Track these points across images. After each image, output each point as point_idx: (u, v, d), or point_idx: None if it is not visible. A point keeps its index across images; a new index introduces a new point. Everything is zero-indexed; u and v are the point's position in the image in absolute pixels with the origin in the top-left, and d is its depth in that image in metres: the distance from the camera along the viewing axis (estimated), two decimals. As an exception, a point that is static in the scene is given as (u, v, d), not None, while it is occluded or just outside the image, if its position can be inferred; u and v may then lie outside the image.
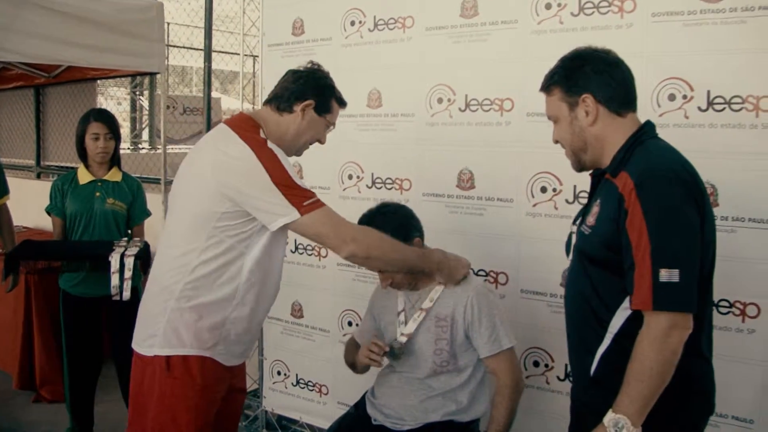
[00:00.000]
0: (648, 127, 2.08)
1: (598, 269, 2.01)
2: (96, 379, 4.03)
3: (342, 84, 3.64)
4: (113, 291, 3.50)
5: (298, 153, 2.61)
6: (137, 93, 11.30)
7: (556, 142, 2.19)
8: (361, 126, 3.63)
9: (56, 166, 7.27)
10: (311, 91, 2.49)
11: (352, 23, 3.63)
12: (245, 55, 4.42)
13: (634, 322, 1.92)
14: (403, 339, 2.68)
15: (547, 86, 2.14)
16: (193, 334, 2.33)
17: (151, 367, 2.35)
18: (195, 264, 2.31)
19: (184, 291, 2.32)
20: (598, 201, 2.04)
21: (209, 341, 2.35)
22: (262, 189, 2.25)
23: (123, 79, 9.21)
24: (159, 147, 8.28)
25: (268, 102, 2.55)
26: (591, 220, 2.04)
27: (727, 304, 2.68)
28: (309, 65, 2.61)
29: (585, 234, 2.06)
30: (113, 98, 12.04)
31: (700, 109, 2.69)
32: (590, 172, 2.25)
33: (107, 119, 3.86)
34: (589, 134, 2.06)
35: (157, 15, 5.09)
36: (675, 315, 1.83)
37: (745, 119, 2.61)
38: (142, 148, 11.06)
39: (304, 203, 2.27)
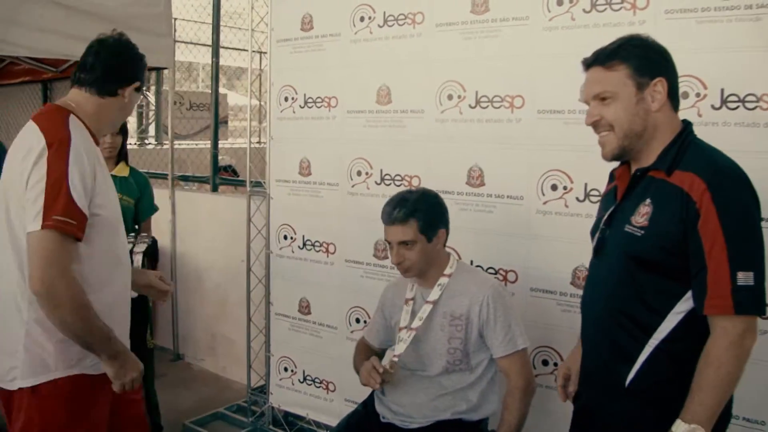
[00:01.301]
0: (691, 127, 2.04)
1: (648, 272, 1.95)
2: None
3: (351, 80, 3.66)
4: None
5: (115, 129, 2.69)
6: (144, 88, 11.29)
7: (595, 122, 2.05)
8: (370, 122, 3.60)
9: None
10: (136, 72, 2.35)
11: (362, 19, 3.59)
12: (254, 51, 4.39)
13: (685, 326, 1.90)
14: (402, 347, 2.68)
15: (608, 59, 2.00)
16: (53, 357, 2.14)
17: (18, 401, 2.16)
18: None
19: (30, 313, 2.12)
20: (648, 200, 1.96)
21: (75, 357, 2.16)
22: (36, 186, 2.04)
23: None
24: (166, 142, 8.25)
25: (83, 84, 2.27)
26: (641, 220, 1.95)
27: None
28: (118, 36, 2.36)
29: (635, 235, 1.96)
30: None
31: (713, 107, 2.65)
32: (613, 169, 2.22)
33: (113, 115, 3.83)
34: (651, 120, 1.97)
35: (164, 10, 5.09)
36: (750, 319, 1.82)
37: (759, 118, 2.56)
38: (149, 144, 11.02)
39: (53, 216, 2.01)
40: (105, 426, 2.30)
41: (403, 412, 2.70)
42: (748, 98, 2.58)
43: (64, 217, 2.01)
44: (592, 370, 2.17)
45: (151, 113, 11.79)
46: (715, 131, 2.61)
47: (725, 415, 1.97)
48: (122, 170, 3.82)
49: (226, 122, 12.94)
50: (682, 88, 2.64)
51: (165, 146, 9.09)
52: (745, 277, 1.78)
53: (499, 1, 3.14)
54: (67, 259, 2.03)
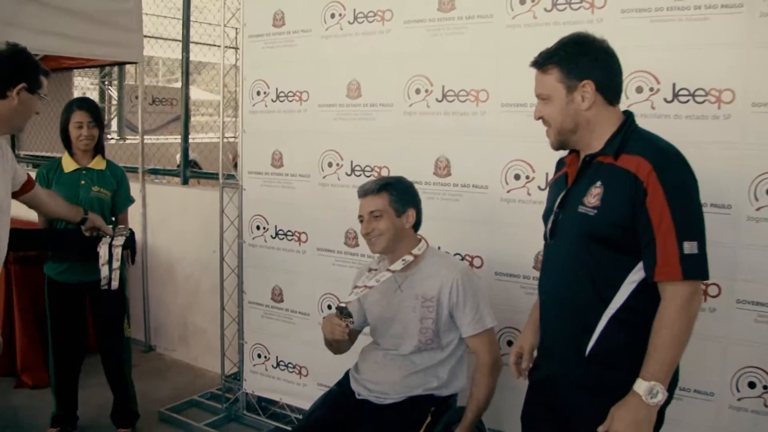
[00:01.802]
0: (633, 117, 2.22)
1: (602, 248, 2.11)
2: (80, 364, 4.09)
3: (322, 74, 3.79)
4: (103, 282, 3.58)
5: (19, 130, 2.89)
6: (106, 83, 11.21)
7: (539, 118, 2.26)
8: (340, 115, 3.73)
9: (30, 155, 7.29)
10: (22, 75, 2.62)
11: (332, 16, 3.72)
12: (214, 45, 4.51)
13: (638, 295, 2.08)
14: (351, 297, 2.84)
15: (544, 64, 2.20)
16: None
17: None
18: None
19: None
20: (599, 183, 2.12)
21: None
22: None
23: (92, 69, 9.16)
24: (128, 137, 8.31)
25: None
26: (593, 201, 2.12)
27: None
28: (7, 45, 2.69)
29: (589, 215, 2.12)
30: (80, 88, 11.94)
31: (666, 100, 2.83)
32: (561, 158, 2.39)
33: (90, 107, 3.89)
34: (583, 118, 2.16)
35: (134, 6, 5.19)
36: (696, 283, 2.02)
37: (708, 111, 2.75)
38: (111, 139, 10.98)
39: None
40: None
41: (377, 389, 2.85)
42: (698, 92, 2.77)
43: None
44: (552, 344, 2.33)
45: (114, 108, 11.75)
46: (668, 123, 2.80)
47: (673, 381, 2.15)
48: (99, 163, 3.90)
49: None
50: (637, 83, 2.85)
51: (128, 141, 9.14)
52: (690, 246, 1.98)
53: (464, 0, 3.29)
54: None
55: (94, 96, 11.80)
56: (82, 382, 4.17)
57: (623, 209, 2.05)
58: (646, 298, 2.06)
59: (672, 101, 2.82)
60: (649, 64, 2.85)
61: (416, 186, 3.06)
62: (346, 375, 3.03)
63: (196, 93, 14.45)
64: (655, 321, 2.02)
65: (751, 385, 2.78)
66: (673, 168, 2.04)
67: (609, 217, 2.08)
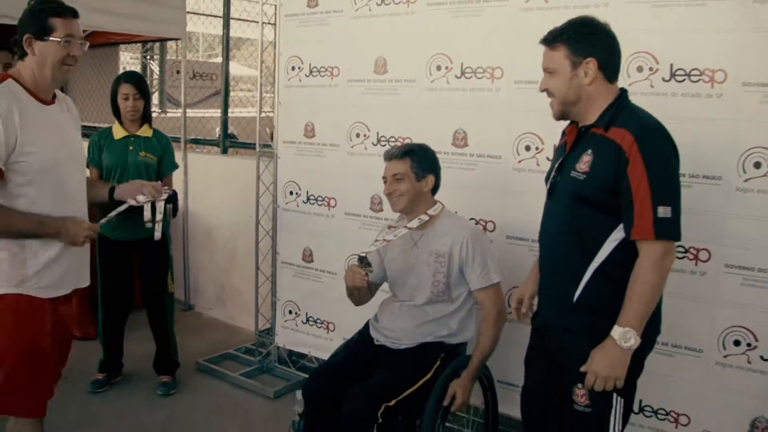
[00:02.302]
0: (626, 93, 2.45)
1: (589, 208, 2.37)
2: (126, 316, 4.43)
3: (351, 52, 4.03)
4: (147, 225, 3.84)
5: (57, 82, 2.69)
6: (148, 57, 11.50)
7: (544, 90, 2.49)
8: (368, 90, 3.99)
9: (83, 126, 7.57)
10: (24, 27, 2.55)
11: (362, -4, 3.98)
12: (253, 21, 4.76)
13: (619, 252, 2.34)
14: (372, 248, 3.10)
15: (553, 41, 2.42)
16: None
17: None
18: None
19: None
20: (590, 151, 2.37)
21: (14, 280, 2.61)
22: None
23: (134, 44, 9.47)
24: (169, 110, 8.56)
25: (19, 57, 2.64)
26: (583, 167, 2.37)
27: (682, 249, 3.06)
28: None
29: (579, 179, 2.37)
30: (122, 63, 12.24)
31: (663, 79, 3.04)
32: (566, 127, 2.64)
33: (136, 80, 4.21)
34: (584, 92, 2.39)
35: None
36: (668, 243, 2.27)
37: (702, 89, 2.97)
38: (153, 111, 11.25)
39: None
40: (45, 342, 2.72)
41: (393, 336, 3.15)
42: (693, 72, 2.98)
43: None
44: (548, 291, 2.62)
45: (155, 82, 12.03)
46: (665, 100, 3.02)
47: (653, 331, 2.46)
48: (146, 131, 4.22)
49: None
50: (638, 62, 3.06)
51: (169, 114, 9.40)
52: (664, 211, 2.22)
53: (484, -16, 3.52)
54: None
55: (136, 70, 12.11)
56: (126, 336, 4.50)
57: (608, 175, 2.31)
58: (626, 254, 2.32)
59: (669, 80, 3.03)
60: (649, 45, 3.06)
61: (437, 153, 3.30)
62: (366, 324, 3.33)
63: (235, 68, 14.59)
64: (631, 276, 2.29)
65: (736, 343, 3.00)
66: (652, 140, 2.29)
67: (595, 182, 2.34)
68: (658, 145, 2.30)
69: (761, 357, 2.96)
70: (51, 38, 2.53)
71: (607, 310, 2.34)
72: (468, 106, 3.62)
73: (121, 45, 8.05)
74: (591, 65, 2.37)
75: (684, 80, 3.01)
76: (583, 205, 2.39)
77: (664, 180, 2.27)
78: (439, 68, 3.70)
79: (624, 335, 2.25)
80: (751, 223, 2.93)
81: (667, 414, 3.19)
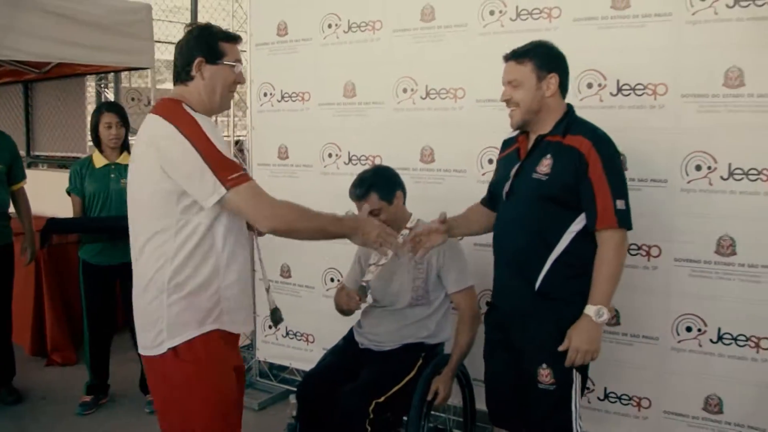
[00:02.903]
0: (572, 108, 2.79)
1: (550, 204, 2.67)
2: (111, 339, 4.55)
3: (321, 77, 4.21)
4: None
5: (223, 107, 2.55)
6: (102, 86, 11.52)
7: (506, 100, 2.75)
8: (339, 113, 4.20)
9: (45, 156, 7.66)
10: (193, 51, 2.41)
11: (330, 26, 4.19)
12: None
13: (575, 243, 2.66)
14: (369, 276, 3.23)
15: (522, 56, 2.70)
16: (194, 316, 2.35)
17: (162, 363, 2.37)
18: (173, 250, 2.30)
19: (172, 280, 2.31)
20: (549, 155, 2.67)
21: (211, 316, 2.38)
22: (193, 165, 2.22)
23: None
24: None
25: (174, 82, 2.50)
26: (545, 169, 2.66)
27: (635, 247, 3.31)
28: (185, 30, 2.53)
29: (542, 180, 2.66)
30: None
31: (611, 94, 3.32)
32: (506, 139, 2.98)
33: (118, 110, 4.38)
34: (545, 103, 2.69)
35: (146, 16, 5.55)
36: (624, 232, 2.62)
37: (646, 102, 3.24)
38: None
39: (230, 177, 2.23)
40: (232, 388, 2.52)
41: (377, 339, 3.38)
42: (638, 86, 3.26)
43: (236, 173, 2.26)
44: (509, 283, 2.86)
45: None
46: (613, 113, 3.29)
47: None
48: (126, 159, 4.37)
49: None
50: (588, 79, 3.32)
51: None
52: (621, 204, 2.58)
53: (443, 11, 3.77)
54: (265, 193, 2.34)
55: (91, 99, 12.05)
56: (110, 358, 4.60)
57: (568, 176, 2.63)
58: (582, 245, 2.66)
59: (617, 95, 3.31)
60: (597, 63, 3.33)
61: (405, 172, 3.51)
62: (350, 331, 3.54)
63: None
64: (596, 261, 2.61)
65: (688, 329, 3.26)
66: (605, 146, 2.65)
67: (557, 181, 2.65)
68: (610, 150, 2.66)
69: (710, 340, 3.21)
70: (223, 62, 2.44)
71: (566, 295, 2.67)
72: (434, 125, 3.84)
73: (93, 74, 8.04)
74: (553, 80, 2.68)
75: (630, 94, 3.28)
76: (545, 203, 2.69)
77: (618, 178, 2.63)
78: (405, 90, 3.92)
79: (598, 312, 2.56)
80: (695, 220, 3.20)
81: (630, 399, 3.44)
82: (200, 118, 2.30)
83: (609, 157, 2.62)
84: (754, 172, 3.07)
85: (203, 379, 2.38)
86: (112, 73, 10.94)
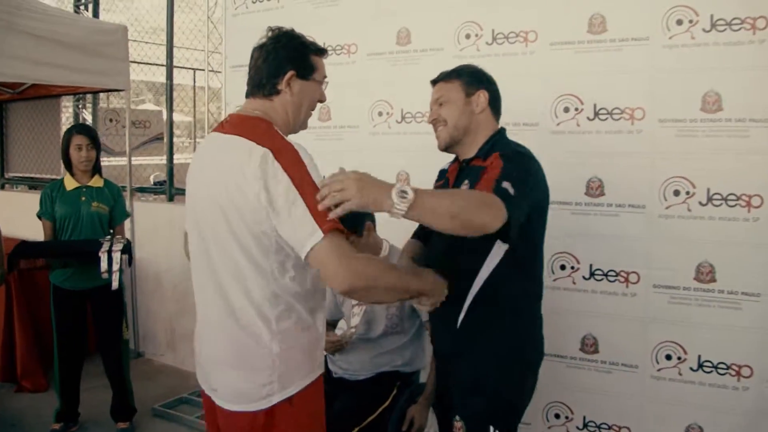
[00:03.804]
0: (503, 130, 2.51)
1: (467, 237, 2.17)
2: (82, 365, 4.41)
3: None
4: (104, 276, 3.93)
5: (303, 127, 2.26)
6: (80, 106, 11.46)
7: (434, 120, 2.51)
8: (314, 137, 4.13)
9: (19, 177, 7.57)
10: (286, 61, 2.11)
11: (305, 48, 4.15)
12: (199, 69, 4.88)
13: (495, 278, 2.31)
14: (355, 320, 3.22)
15: (450, 76, 2.51)
16: (303, 364, 2.09)
17: (264, 417, 2.05)
18: (277, 296, 2.01)
19: (279, 324, 2.02)
20: (466, 181, 2.41)
21: (318, 359, 2.16)
22: (291, 203, 1.89)
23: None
24: (103, 159, 8.53)
25: (252, 94, 2.17)
26: None
27: (614, 273, 3.30)
28: (269, 33, 2.19)
29: None
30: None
31: (588, 118, 3.31)
32: (442, 168, 2.75)
33: (88, 132, 4.31)
34: (474, 120, 2.45)
35: (121, 37, 5.49)
36: (500, 203, 2.02)
37: (623, 126, 3.24)
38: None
39: (328, 218, 1.87)
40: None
41: (351, 368, 3.30)
42: (615, 111, 3.26)
43: (330, 216, 1.89)
44: (435, 323, 2.65)
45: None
46: (591, 137, 3.28)
47: (535, 351, 2.48)
48: (97, 181, 4.30)
49: (161, 138, 13.11)
50: (564, 104, 3.31)
51: (103, 163, 9.32)
52: (507, 185, 2.08)
53: (419, 35, 3.76)
54: (350, 249, 1.92)
55: (68, 119, 12.01)
56: (81, 384, 4.47)
57: None
58: (503, 279, 2.32)
59: (593, 119, 3.30)
60: (573, 88, 3.33)
61: None
62: (323, 359, 3.46)
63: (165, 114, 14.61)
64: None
65: (668, 357, 3.23)
66: (513, 153, 2.32)
67: None
68: (517, 156, 2.31)
69: (690, 368, 3.19)
70: (314, 78, 2.18)
71: (487, 333, 2.37)
72: (409, 149, 3.82)
73: (69, 95, 7.99)
74: (483, 96, 2.46)
75: (607, 118, 3.27)
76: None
77: (516, 172, 2.18)
78: (380, 114, 3.91)
79: (403, 188, 1.93)
80: (674, 246, 3.18)
81: (609, 428, 3.40)
82: (298, 147, 2.01)
83: (511, 155, 2.29)
84: (733, 197, 3.07)
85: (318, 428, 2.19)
86: (91, 94, 11.02)
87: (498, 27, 3.52)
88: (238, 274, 2.02)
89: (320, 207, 1.86)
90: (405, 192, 1.89)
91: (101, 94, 7.31)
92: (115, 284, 3.93)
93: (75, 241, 4.17)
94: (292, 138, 2.08)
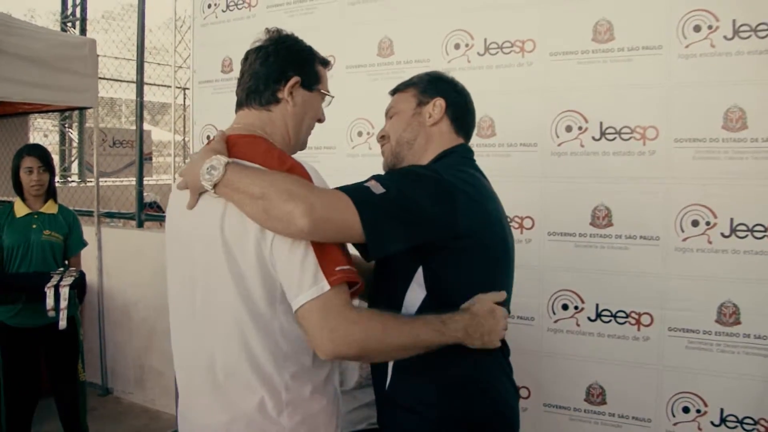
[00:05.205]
0: (460, 147, 2.05)
1: (388, 271, 1.89)
2: (33, 408, 4.06)
3: (269, 118, 3.85)
4: (50, 314, 3.59)
5: (302, 146, 1.96)
6: (66, 125, 11.22)
7: (381, 137, 2.11)
8: None
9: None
10: (289, 66, 1.85)
11: (279, 60, 3.83)
12: (177, 87, 4.57)
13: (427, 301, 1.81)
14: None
15: (406, 85, 2.12)
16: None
17: None
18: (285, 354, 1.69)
19: (289, 391, 1.69)
20: None
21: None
22: (296, 246, 1.59)
23: (52, 112, 9.22)
24: (90, 180, 8.26)
25: (244, 103, 1.90)
26: None
27: (623, 314, 2.99)
28: (268, 34, 1.92)
29: None
30: (40, 130, 11.92)
31: (594, 138, 2.99)
32: None
33: (40, 153, 3.96)
34: (423, 133, 2.02)
35: (90, 51, 5.22)
36: (347, 200, 1.60)
37: (633, 147, 2.92)
38: (72, 181, 10.95)
39: (337, 269, 1.58)
40: None
41: (322, 425, 2.91)
42: (624, 130, 2.94)
43: (347, 265, 1.60)
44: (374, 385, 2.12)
45: (74, 150, 11.73)
46: (596, 160, 2.97)
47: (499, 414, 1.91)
48: (51, 207, 3.95)
49: (150, 158, 12.92)
50: (566, 122, 3.01)
51: (89, 183, 9.09)
52: (372, 182, 1.68)
53: (403, 46, 3.45)
54: (343, 307, 1.58)
55: (54, 138, 11.80)
56: (35, 427, 4.13)
57: None
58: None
59: (600, 139, 2.98)
60: (577, 104, 3.02)
61: None
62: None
63: (159, 134, 14.47)
64: None
65: (686, 409, 2.91)
66: (412, 167, 1.93)
67: None
68: (418, 173, 1.81)
69: (712, 423, 2.89)
70: (320, 90, 1.93)
71: (409, 400, 1.86)
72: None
73: (37, 113, 7.77)
74: (438, 105, 2.03)
75: (615, 138, 2.97)
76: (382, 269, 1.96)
77: (401, 174, 1.80)
78: (360, 134, 3.61)
79: (214, 160, 1.62)
80: (692, 283, 2.89)
81: (619, 490, 3.05)
82: (311, 170, 1.68)
83: (403, 168, 1.92)
84: (760, 228, 2.79)
85: None
86: (77, 112, 10.78)
87: (491, 36, 3.21)
88: (235, 325, 1.67)
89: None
90: (215, 167, 1.62)
91: (90, 113, 7.00)
92: (62, 323, 3.56)
93: (21, 274, 3.81)
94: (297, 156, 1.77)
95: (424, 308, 1.78)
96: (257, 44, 1.90)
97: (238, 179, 1.59)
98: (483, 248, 1.83)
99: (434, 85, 2.08)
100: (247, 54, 1.91)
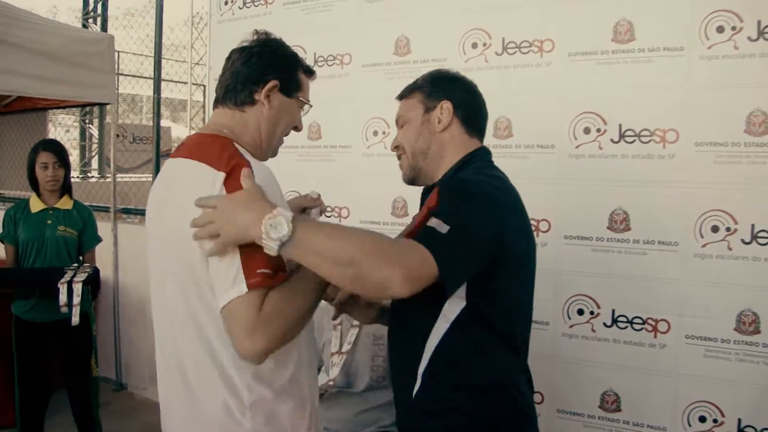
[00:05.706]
0: (481, 152, 2.00)
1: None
2: (47, 403, 4.07)
3: (284, 116, 3.85)
4: (63, 309, 3.59)
5: (274, 153, 1.96)
6: (87, 121, 11.26)
7: (395, 148, 2.06)
8: (301, 156, 3.82)
9: (9, 196, 7.30)
10: (271, 68, 1.83)
11: (295, 58, 3.80)
12: (194, 84, 4.55)
13: (451, 337, 1.81)
14: (335, 371, 2.85)
15: (409, 92, 2.05)
16: None
17: None
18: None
19: (252, 393, 1.67)
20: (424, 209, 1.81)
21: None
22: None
23: (72, 108, 9.25)
24: (108, 175, 8.27)
25: (220, 101, 1.86)
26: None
27: (640, 321, 2.93)
28: (255, 36, 1.89)
29: None
30: (62, 126, 11.96)
31: (612, 141, 2.94)
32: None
33: (56, 148, 3.95)
34: (435, 140, 1.97)
35: (108, 47, 5.20)
36: (429, 256, 1.56)
37: (653, 150, 2.87)
38: (92, 177, 10.99)
39: (259, 270, 1.55)
40: None
41: (330, 427, 2.88)
42: (643, 132, 2.89)
43: (267, 269, 1.56)
44: (395, 393, 2.07)
45: (94, 146, 11.78)
46: (615, 162, 2.92)
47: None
48: (66, 203, 3.95)
49: (168, 155, 12.90)
50: (585, 123, 2.95)
51: (108, 179, 9.10)
52: (437, 223, 1.63)
53: (419, 44, 3.41)
54: (260, 311, 1.55)
55: (75, 134, 11.86)
56: (49, 420, 4.15)
57: None
58: (459, 341, 1.81)
59: (619, 141, 2.93)
60: (596, 105, 2.96)
61: (375, 227, 3.12)
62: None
63: (178, 131, 14.49)
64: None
65: (702, 419, 2.86)
66: (455, 184, 1.86)
67: None
68: (459, 187, 1.81)
69: None
70: (298, 97, 1.90)
71: (442, 408, 1.85)
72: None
73: (55, 109, 7.80)
74: (446, 108, 1.97)
75: (634, 141, 2.92)
76: None
77: (451, 201, 1.72)
78: (376, 133, 3.58)
79: (278, 216, 1.48)
80: (711, 290, 2.84)
81: (633, 499, 3.01)
82: (261, 169, 1.71)
83: (453, 187, 1.82)
84: None
85: None
86: (98, 108, 10.83)
87: (509, 35, 3.16)
88: (197, 328, 1.66)
89: (194, 238, 1.58)
90: (279, 224, 1.48)
91: (111, 109, 7.00)
92: (75, 320, 3.56)
93: (36, 269, 3.81)
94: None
95: (462, 318, 1.77)
96: (243, 44, 1.88)
97: (310, 239, 1.51)
98: (518, 257, 1.83)
99: (439, 87, 2.01)
100: (231, 53, 1.88)
